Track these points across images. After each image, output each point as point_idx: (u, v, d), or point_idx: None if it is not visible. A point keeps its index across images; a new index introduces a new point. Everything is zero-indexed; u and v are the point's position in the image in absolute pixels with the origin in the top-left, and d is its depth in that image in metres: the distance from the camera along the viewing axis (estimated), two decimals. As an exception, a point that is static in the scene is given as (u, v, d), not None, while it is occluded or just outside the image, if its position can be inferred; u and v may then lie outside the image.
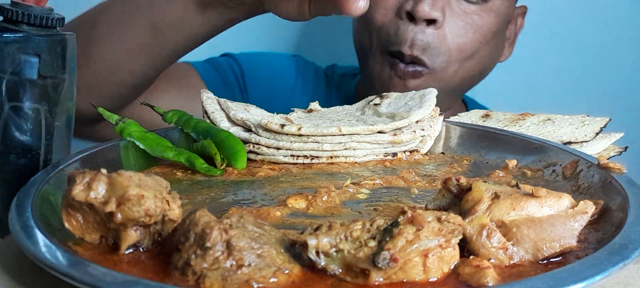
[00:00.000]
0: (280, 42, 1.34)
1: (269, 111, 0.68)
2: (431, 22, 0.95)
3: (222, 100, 0.68)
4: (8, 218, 0.42)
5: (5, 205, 0.47)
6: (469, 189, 0.42)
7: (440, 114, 0.69)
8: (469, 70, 1.01)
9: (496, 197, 0.41)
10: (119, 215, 0.38)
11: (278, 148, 0.62)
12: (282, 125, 0.61)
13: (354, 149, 0.63)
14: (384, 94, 0.75)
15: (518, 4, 1.07)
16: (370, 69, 1.03)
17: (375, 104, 0.71)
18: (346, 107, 0.73)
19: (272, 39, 1.32)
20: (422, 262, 0.36)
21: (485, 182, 0.43)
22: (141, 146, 0.60)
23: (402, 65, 0.97)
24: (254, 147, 0.63)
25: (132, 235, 0.39)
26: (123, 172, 0.39)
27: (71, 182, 0.40)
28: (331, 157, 0.63)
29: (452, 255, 0.37)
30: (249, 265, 0.35)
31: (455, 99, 1.09)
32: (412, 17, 0.95)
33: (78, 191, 0.39)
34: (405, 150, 0.65)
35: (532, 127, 0.71)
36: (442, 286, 0.36)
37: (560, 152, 0.59)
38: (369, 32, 1.01)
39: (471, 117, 0.78)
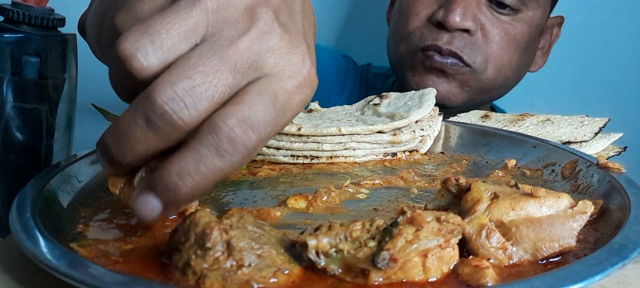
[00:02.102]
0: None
1: None
2: (465, 30, 0.95)
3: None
4: (8, 219, 0.42)
5: (6, 205, 0.47)
6: (468, 189, 0.42)
7: (439, 114, 0.69)
8: (506, 77, 1.01)
9: (495, 197, 0.41)
10: None
11: (278, 148, 0.62)
12: (282, 125, 0.61)
13: (354, 149, 0.63)
14: (384, 93, 0.75)
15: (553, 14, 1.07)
16: (404, 67, 1.01)
17: (374, 104, 0.71)
18: (346, 107, 0.73)
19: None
20: (421, 262, 0.36)
21: (485, 182, 0.43)
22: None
23: (438, 57, 0.96)
24: (254, 147, 0.63)
25: None
26: None
27: None
28: (331, 157, 0.63)
29: (452, 255, 0.37)
30: (249, 265, 0.35)
31: (486, 107, 1.09)
32: (443, 27, 0.95)
33: None
34: (405, 150, 0.65)
35: (532, 128, 0.71)
36: (442, 286, 0.36)
37: (559, 151, 0.59)
38: (402, 36, 1.01)
39: (470, 118, 0.78)
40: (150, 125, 0.35)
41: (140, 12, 0.38)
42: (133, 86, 0.37)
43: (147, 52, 0.36)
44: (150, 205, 0.37)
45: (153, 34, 0.36)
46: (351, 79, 1.19)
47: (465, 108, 0.92)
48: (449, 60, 0.96)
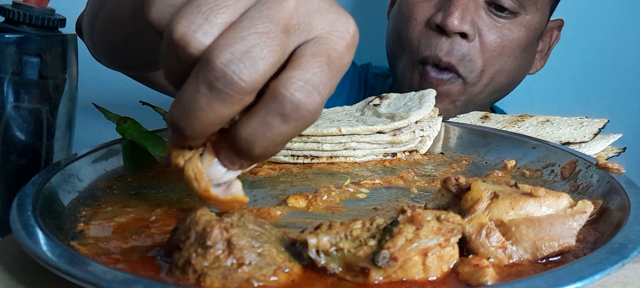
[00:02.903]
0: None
1: None
2: (463, 35, 0.95)
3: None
4: (9, 217, 0.42)
5: (6, 205, 0.47)
6: (468, 189, 0.42)
7: (439, 115, 0.70)
8: (499, 82, 1.01)
9: (495, 196, 0.41)
10: None
11: (278, 149, 0.62)
12: (282, 126, 0.61)
13: (354, 149, 0.63)
14: (384, 94, 0.75)
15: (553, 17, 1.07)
16: (400, 77, 1.03)
17: (374, 105, 0.72)
18: (346, 107, 0.73)
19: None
20: (421, 261, 0.36)
21: (485, 181, 0.43)
22: (143, 146, 0.60)
23: (434, 73, 0.97)
24: (254, 147, 0.63)
25: None
26: None
27: None
28: (331, 157, 0.63)
29: (452, 254, 0.37)
30: (250, 263, 0.36)
31: (485, 108, 1.09)
32: (442, 30, 0.96)
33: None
34: (405, 150, 0.66)
35: (531, 129, 0.71)
36: (442, 285, 0.36)
37: (558, 152, 0.59)
38: (401, 41, 1.02)
39: (470, 118, 0.78)
40: (213, 91, 0.35)
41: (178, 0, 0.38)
42: (188, 70, 0.37)
43: (205, 30, 0.36)
44: (233, 160, 0.39)
45: (206, 11, 0.36)
46: (350, 79, 1.19)
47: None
48: (445, 76, 0.97)
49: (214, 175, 0.41)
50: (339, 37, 0.38)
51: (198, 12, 0.36)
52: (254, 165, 0.43)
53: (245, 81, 0.35)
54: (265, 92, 0.37)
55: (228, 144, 0.39)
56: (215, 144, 0.40)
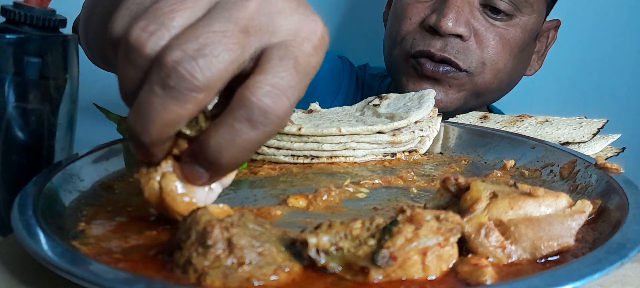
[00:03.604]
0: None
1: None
2: (458, 36, 0.95)
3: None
4: (10, 217, 0.43)
5: (8, 205, 0.47)
6: (468, 188, 0.42)
7: (438, 115, 0.70)
8: (501, 80, 1.01)
9: (494, 196, 0.41)
10: None
11: (278, 148, 0.63)
12: (282, 126, 0.61)
13: (354, 149, 0.64)
14: (383, 94, 0.75)
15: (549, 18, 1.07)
16: (397, 72, 1.02)
17: (374, 105, 0.72)
18: (346, 107, 0.73)
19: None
20: (421, 260, 0.36)
21: (484, 181, 0.43)
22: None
23: (429, 65, 0.95)
24: (254, 147, 0.63)
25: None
26: None
27: None
28: (331, 157, 0.63)
29: (451, 253, 0.37)
30: (250, 263, 0.36)
31: (483, 109, 1.09)
32: (435, 32, 0.95)
33: None
34: (404, 151, 0.66)
35: (530, 129, 0.71)
36: (441, 284, 0.36)
37: (557, 152, 0.59)
38: (394, 39, 1.02)
39: (469, 118, 0.78)
40: (166, 89, 0.35)
41: (140, 6, 0.38)
42: (139, 83, 0.37)
43: (160, 34, 0.36)
44: (198, 173, 0.39)
45: (161, 16, 0.36)
46: (347, 79, 1.19)
47: (462, 111, 0.92)
48: (441, 68, 0.96)
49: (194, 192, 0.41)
50: (305, 39, 0.38)
51: (153, 17, 0.36)
52: (216, 181, 0.41)
53: (198, 78, 0.35)
54: (232, 98, 0.36)
55: (192, 157, 0.38)
56: (178, 159, 0.40)
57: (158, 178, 0.40)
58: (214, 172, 0.38)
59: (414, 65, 0.98)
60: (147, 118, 0.36)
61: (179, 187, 0.40)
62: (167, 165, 0.41)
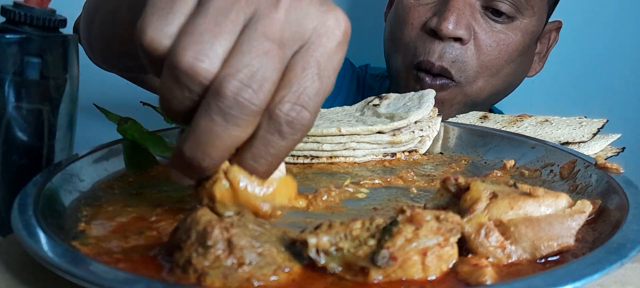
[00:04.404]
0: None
1: None
2: (458, 39, 0.95)
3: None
4: (10, 217, 0.43)
5: (8, 205, 0.47)
6: (468, 188, 0.42)
7: (438, 115, 0.70)
8: (495, 86, 1.01)
9: (494, 196, 0.41)
10: None
11: (278, 149, 0.63)
12: (282, 126, 0.61)
13: (354, 149, 0.64)
14: (383, 94, 0.75)
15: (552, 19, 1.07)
16: (397, 79, 1.03)
17: (374, 105, 0.72)
18: (346, 107, 0.73)
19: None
20: (420, 261, 0.36)
21: (484, 181, 0.43)
22: (144, 146, 0.60)
23: (429, 79, 0.97)
24: (254, 147, 0.63)
25: None
26: None
27: None
28: (331, 157, 0.63)
29: (451, 253, 0.37)
30: (250, 263, 0.36)
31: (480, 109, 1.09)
32: (436, 34, 0.95)
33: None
34: (404, 151, 0.66)
35: (530, 129, 0.71)
36: (441, 284, 0.36)
37: (557, 152, 0.59)
38: (396, 44, 1.02)
39: (469, 118, 0.78)
40: (229, 119, 0.38)
41: (176, 18, 0.39)
42: (191, 104, 0.39)
43: (211, 59, 0.38)
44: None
45: (209, 40, 0.38)
46: (348, 79, 1.19)
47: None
48: (438, 82, 0.97)
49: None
50: (329, 37, 0.40)
51: (201, 42, 0.38)
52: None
53: (255, 104, 0.38)
54: (264, 113, 0.39)
55: (237, 162, 0.41)
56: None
57: (223, 180, 0.42)
58: (256, 177, 0.42)
59: (415, 77, 0.98)
60: (211, 145, 0.39)
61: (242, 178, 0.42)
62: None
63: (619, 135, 0.68)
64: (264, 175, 0.41)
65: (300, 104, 0.39)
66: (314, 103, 0.39)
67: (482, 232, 0.39)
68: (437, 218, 0.37)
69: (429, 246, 0.36)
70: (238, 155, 0.40)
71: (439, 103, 0.97)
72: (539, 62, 1.09)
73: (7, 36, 0.53)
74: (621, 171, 0.51)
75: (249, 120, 0.38)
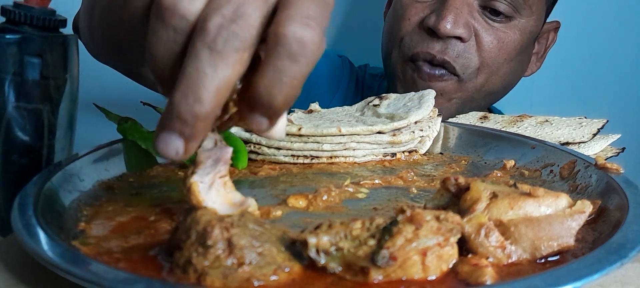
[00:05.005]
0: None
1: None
2: (458, 37, 0.95)
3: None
4: (10, 217, 0.43)
5: (8, 205, 0.47)
6: (468, 188, 0.42)
7: (438, 115, 0.70)
8: (493, 85, 1.01)
9: (494, 196, 0.41)
10: None
11: (279, 149, 0.63)
12: (283, 126, 0.62)
13: (354, 149, 0.64)
14: (383, 94, 0.75)
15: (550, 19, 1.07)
16: (393, 74, 1.02)
17: (374, 105, 0.72)
18: (346, 107, 0.73)
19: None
20: (420, 261, 0.36)
21: (484, 181, 0.43)
22: (144, 146, 0.60)
23: (427, 68, 0.96)
24: (255, 147, 0.63)
25: None
26: None
27: None
28: (331, 157, 0.63)
29: (451, 253, 0.37)
30: (250, 263, 0.36)
31: (480, 109, 1.09)
32: (434, 33, 0.95)
33: None
34: (404, 151, 0.66)
35: (530, 129, 0.71)
36: (441, 284, 0.36)
37: (557, 152, 0.59)
38: (393, 39, 1.02)
39: (469, 119, 0.78)
40: (215, 56, 0.36)
41: None
42: (177, 48, 0.38)
43: None
44: (258, 121, 0.39)
45: None
46: (346, 79, 1.19)
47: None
48: (438, 71, 0.96)
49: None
50: None
51: None
52: (282, 117, 0.42)
53: (241, 37, 0.36)
54: (267, 41, 0.37)
55: (250, 107, 0.39)
56: (241, 115, 0.41)
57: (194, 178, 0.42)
58: (272, 115, 0.39)
59: (412, 69, 0.98)
60: (200, 85, 0.36)
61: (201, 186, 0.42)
62: (196, 175, 0.43)
63: (618, 136, 0.68)
64: (280, 110, 0.39)
65: (308, 18, 0.36)
66: (320, 22, 0.37)
67: (482, 232, 0.39)
68: (437, 218, 0.37)
69: (429, 246, 0.36)
70: (250, 96, 0.38)
71: (437, 94, 0.97)
72: (537, 62, 1.09)
73: (7, 36, 0.53)
74: (621, 171, 0.51)
75: (235, 57, 0.36)
